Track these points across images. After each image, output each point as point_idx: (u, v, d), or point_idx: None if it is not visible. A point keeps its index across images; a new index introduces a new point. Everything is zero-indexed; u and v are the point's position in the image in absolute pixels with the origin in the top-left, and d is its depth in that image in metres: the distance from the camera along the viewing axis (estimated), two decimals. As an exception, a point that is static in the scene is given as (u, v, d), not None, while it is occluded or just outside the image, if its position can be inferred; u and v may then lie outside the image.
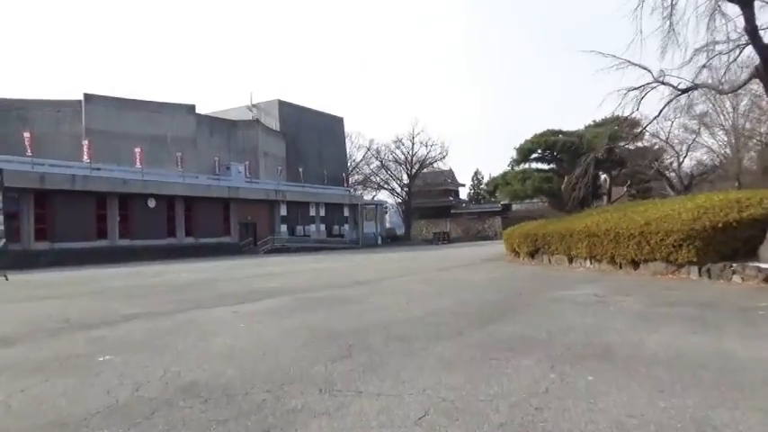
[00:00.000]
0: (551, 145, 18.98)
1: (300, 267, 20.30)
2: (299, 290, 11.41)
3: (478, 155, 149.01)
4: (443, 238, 71.37)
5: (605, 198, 25.75)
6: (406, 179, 77.40)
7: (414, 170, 76.38)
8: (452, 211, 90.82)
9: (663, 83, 13.98)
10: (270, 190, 50.17)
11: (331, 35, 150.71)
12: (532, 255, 19.01)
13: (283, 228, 51.98)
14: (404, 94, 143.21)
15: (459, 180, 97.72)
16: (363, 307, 8.18)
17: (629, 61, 14.33)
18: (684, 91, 13.80)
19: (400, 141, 75.33)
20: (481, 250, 34.21)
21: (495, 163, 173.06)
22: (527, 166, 21.23)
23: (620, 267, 13.63)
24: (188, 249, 41.02)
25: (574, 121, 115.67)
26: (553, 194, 20.32)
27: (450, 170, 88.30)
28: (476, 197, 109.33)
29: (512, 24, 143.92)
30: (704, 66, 13.56)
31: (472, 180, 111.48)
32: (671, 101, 14.40)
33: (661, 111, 15.02)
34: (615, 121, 20.66)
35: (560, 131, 20.02)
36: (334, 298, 9.69)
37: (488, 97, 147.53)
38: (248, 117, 59.46)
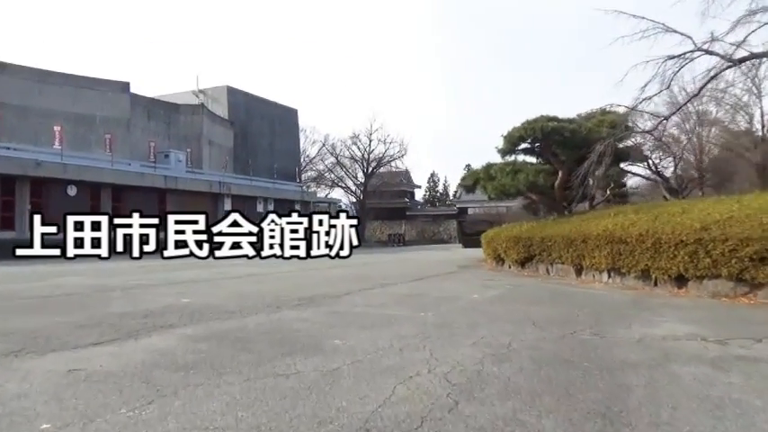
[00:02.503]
0: (548, 133, 15.67)
1: (235, 272, 16.32)
2: (218, 312, 7.58)
3: (434, 158, 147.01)
4: (398, 240, 68.24)
5: (588, 202, 22.79)
6: (361, 177, 73.71)
7: (370, 168, 72.77)
8: (407, 213, 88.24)
9: (709, 52, 10.89)
10: (214, 182, 45.42)
11: (286, 24, 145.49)
12: (523, 263, 15.77)
13: (227, 224, 47.21)
14: (361, 90, 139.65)
15: (416, 182, 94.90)
16: (328, 363, 4.45)
17: (664, 26, 11.16)
18: (741, 61, 10.76)
19: (357, 137, 71.56)
20: (446, 255, 30.94)
21: (451, 168, 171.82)
22: (513, 158, 17.95)
23: (655, 284, 10.44)
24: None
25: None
26: (547, 192, 17.04)
27: (407, 171, 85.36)
28: (431, 200, 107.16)
29: (478, 28, 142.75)
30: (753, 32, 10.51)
31: (428, 182, 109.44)
32: (718, 73, 11.37)
33: (705, 85, 11.98)
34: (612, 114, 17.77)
35: (556, 118, 16.76)
36: (272, 333, 5.94)
37: (446, 100, 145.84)
38: (193, 102, 54.35)
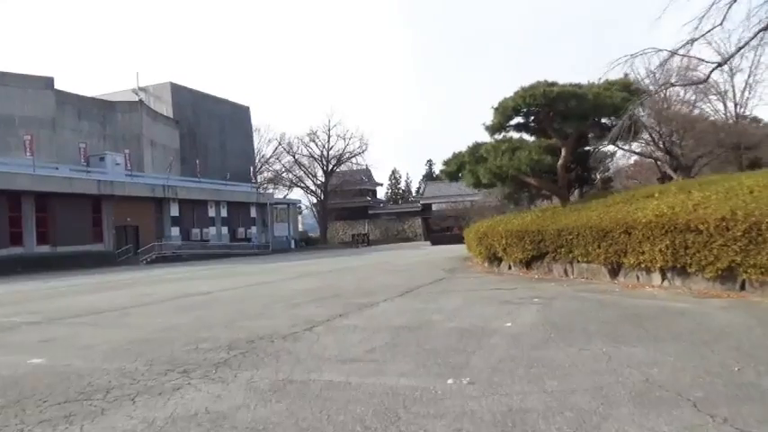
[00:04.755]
0: (552, 100, 12.58)
1: (165, 291, 12.66)
2: (57, 395, 4.01)
3: (395, 155, 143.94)
4: (363, 241, 64.83)
5: (578, 188, 19.93)
6: (321, 176, 69.89)
7: (330, 166, 69.07)
8: (370, 212, 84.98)
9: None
10: (157, 186, 40.86)
11: (235, 19, 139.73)
12: (528, 263, 12.63)
13: (175, 231, 42.79)
14: (317, 87, 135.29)
15: (377, 179, 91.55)
16: None
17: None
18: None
19: (315, 134, 67.82)
20: (421, 254, 27.74)
21: (413, 164, 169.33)
22: (503, 135, 14.83)
23: (743, 287, 7.45)
24: (42, 261, 31.20)
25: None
26: (549, 174, 13.95)
27: (368, 169, 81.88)
28: (394, 197, 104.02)
29: (440, 23, 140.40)
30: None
31: (390, 179, 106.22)
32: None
33: (747, 43, 9.09)
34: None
35: (556, 83, 13.69)
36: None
37: (405, 96, 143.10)
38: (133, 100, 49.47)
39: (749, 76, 20.59)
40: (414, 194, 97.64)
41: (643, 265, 8.99)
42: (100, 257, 34.62)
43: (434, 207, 79.52)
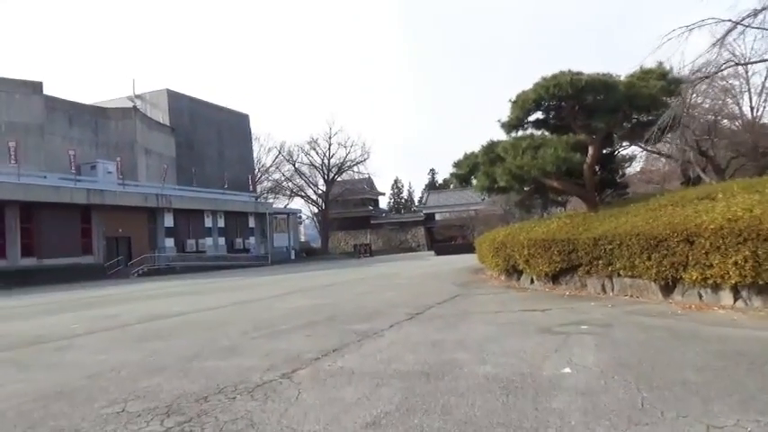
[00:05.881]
0: (579, 90, 10.93)
1: (129, 314, 11.00)
2: None
3: (397, 165, 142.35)
4: (365, 251, 63.06)
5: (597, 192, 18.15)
6: (322, 185, 68.25)
7: (331, 175, 67.44)
8: (372, 222, 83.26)
9: None
10: (150, 195, 39.20)
11: (236, 27, 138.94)
12: (555, 277, 10.92)
13: (169, 242, 41.08)
14: (318, 96, 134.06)
15: (379, 189, 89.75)
16: None
17: None
18: None
19: (315, 142, 66.30)
20: (426, 266, 25.97)
21: (415, 173, 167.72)
22: (521, 133, 13.17)
23: None
24: (25, 275, 29.54)
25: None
26: (576, 175, 12.26)
27: (370, 178, 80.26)
28: (396, 206, 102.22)
29: (443, 32, 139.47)
30: None
31: (392, 189, 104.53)
32: None
33: None
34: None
35: (581, 73, 12.02)
36: None
37: (407, 106, 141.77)
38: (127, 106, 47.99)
39: (766, 78, 18.97)
40: (416, 204, 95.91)
41: (710, 282, 7.27)
42: (88, 270, 32.90)
43: (438, 216, 77.89)
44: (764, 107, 20.65)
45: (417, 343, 5.91)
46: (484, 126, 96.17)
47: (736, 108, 20.93)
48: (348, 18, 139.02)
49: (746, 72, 19.51)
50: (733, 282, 6.92)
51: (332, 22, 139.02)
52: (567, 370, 4.33)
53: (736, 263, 6.76)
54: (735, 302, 7.12)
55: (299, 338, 6.65)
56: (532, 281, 11.86)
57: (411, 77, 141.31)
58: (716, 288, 7.35)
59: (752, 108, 21.40)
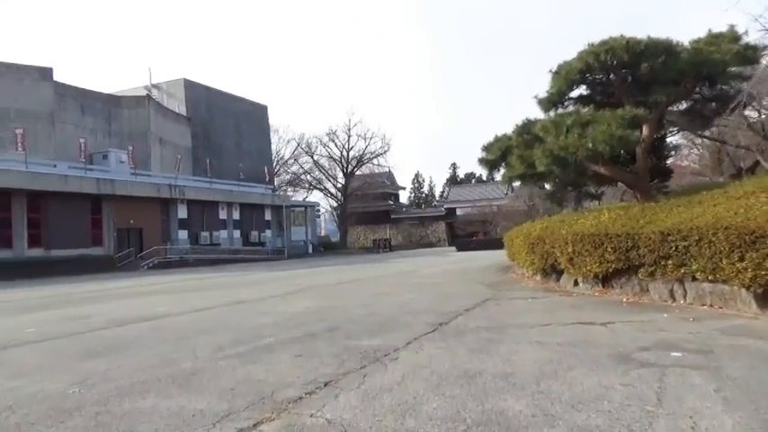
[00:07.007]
0: (635, 57, 9.04)
1: (102, 315, 9.54)
2: None
3: (418, 158, 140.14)
4: (384, 246, 61.43)
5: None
6: (341, 178, 66.65)
7: (350, 167, 65.76)
8: (392, 217, 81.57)
9: None
10: (162, 185, 38.01)
11: (255, 18, 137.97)
12: (606, 278, 9.09)
13: (183, 235, 39.91)
14: (338, 88, 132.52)
15: (399, 183, 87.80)
16: None
17: None
18: None
19: (334, 133, 64.67)
20: (448, 262, 24.17)
21: (435, 168, 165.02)
22: (561, 110, 11.33)
23: None
24: (32, 266, 28.48)
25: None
26: (627, 159, 10.38)
27: (390, 172, 78.34)
28: (417, 201, 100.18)
29: (466, 23, 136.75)
30: None
31: (413, 183, 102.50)
32: None
33: None
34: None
35: (635, 38, 10.10)
36: None
37: (428, 98, 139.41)
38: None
39: None
40: (437, 199, 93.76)
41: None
42: (98, 262, 31.82)
43: (459, 212, 75.77)
44: None
45: (444, 376, 4.17)
46: (506, 120, 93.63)
47: None
48: (366, 9, 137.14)
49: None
50: None
51: (351, 14, 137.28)
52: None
53: None
54: None
55: (284, 360, 4.98)
56: (576, 283, 10.03)
57: (433, 71, 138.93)
58: None
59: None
